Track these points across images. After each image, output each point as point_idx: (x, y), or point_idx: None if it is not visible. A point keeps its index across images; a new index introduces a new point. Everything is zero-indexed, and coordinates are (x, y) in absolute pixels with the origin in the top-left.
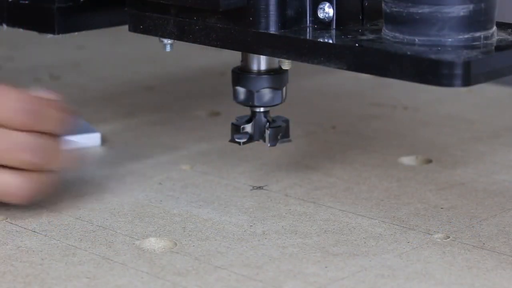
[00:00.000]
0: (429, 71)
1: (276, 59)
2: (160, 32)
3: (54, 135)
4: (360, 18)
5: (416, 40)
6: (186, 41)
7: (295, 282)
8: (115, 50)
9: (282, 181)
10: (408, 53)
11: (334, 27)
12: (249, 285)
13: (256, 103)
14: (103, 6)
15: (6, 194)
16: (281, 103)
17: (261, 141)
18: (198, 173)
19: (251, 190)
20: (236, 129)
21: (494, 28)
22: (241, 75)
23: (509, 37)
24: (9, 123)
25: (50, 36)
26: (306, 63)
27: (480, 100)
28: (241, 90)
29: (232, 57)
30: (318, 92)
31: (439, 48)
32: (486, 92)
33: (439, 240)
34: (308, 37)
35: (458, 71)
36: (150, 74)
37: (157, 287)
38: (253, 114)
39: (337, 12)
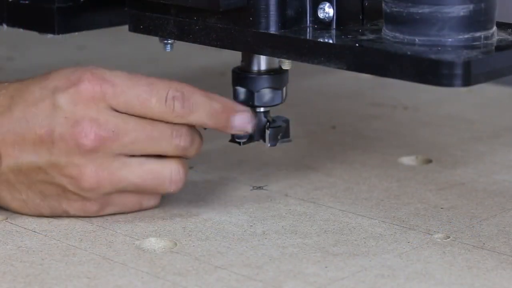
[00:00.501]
0: (429, 71)
1: (276, 59)
2: (160, 32)
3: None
4: (360, 18)
5: (416, 40)
6: (186, 41)
7: (295, 282)
8: (115, 50)
9: (282, 181)
10: (408, 53)
11: (334, 27)
12: (249, 285)
13: (256, 103)
14: (103, 6)
15: (165, 182)
16: (281, 103)
17: (261, 141)
18: (198, 173)
19: (251, 190)
20: None
21: (494, 28)
22: (241, 75)
23: (509, 37)
24: (161, 114)
25: (50, 36)
26: (306, 63)
27: (480, 100)
28: (241, 90)
29: (232, 57)
30: (318, 92)
31: (439, 48)
32: (486, 92)
33: (439, 240)
34: (308, 37)
35: (458, 71)
36: (150, 74)
37: (157, 287)
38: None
39: (337, 12)
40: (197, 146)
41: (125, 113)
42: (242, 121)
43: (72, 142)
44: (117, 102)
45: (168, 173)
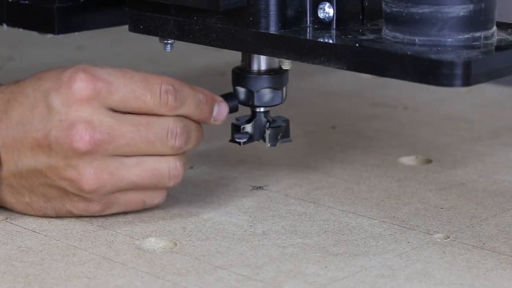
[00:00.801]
0: (429, 71)
1: (276, 59)
2: (160, 32)
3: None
4: (360, 18)
5: (416, 40)
6: (186, 41)
7: (295, 282)
8: (114, 50)
9: (282, 181)
10: (409, 53)
11: (334, 27)
12: (249, 285)
13: (256, 103)
14: (103, 6)
15: (164, 179)
16: (281, 103)
17: (261, 141)
18: (198, 173)
19: (251, 190)
20: (236, 129)
21: (494, 28)
22: (241, 75)
23: (509, 37)
24: (156, 108)
25: (50, 36)
26: (306, 63)
27: (480, 100)
28: (241, 90)
29: (232, 57)
30: (318, 92)
31: (439, 48)
32: (486, 92)
33: (439, 240)
34: (308, 37)
35: (458, 71)
36: None
37: (157, 287)
38: (253, 114)
39: (337, 12)
40: (194, 142)
41: (119, 111)
42: (221, 111)
43: (68, 146)
44: (112, 99)
45: (166, 170)
